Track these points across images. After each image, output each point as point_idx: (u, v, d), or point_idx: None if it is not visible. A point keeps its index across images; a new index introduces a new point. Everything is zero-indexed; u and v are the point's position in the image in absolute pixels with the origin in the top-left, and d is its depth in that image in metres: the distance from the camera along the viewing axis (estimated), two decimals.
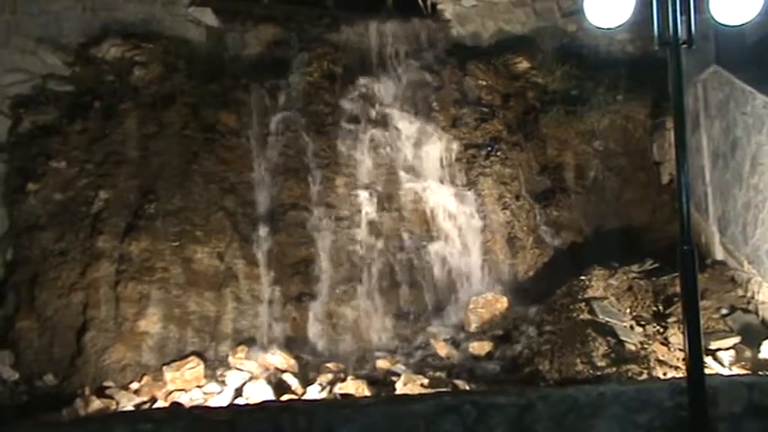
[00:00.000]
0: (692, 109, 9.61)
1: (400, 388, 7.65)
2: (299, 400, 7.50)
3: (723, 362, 7.80)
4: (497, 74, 11.60)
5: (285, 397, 7.89)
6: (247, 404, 7.22)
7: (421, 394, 6.72)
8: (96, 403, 7.89)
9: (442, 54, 11.72)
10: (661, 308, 8.70)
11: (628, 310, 8.65)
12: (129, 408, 7.93)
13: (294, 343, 9.29)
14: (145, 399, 8.23)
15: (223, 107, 10.34)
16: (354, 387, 7.71)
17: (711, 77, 9.20)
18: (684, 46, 5.61)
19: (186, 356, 8.80)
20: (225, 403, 7.81)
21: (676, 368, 7.60)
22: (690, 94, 9.76)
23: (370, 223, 10.18)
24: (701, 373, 5.68)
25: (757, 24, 6.09)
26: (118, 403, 8.05)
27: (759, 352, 7.71)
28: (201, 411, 6.48)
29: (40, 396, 8.27)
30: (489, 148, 10.92)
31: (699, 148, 9.53)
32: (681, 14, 5.43)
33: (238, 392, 8.14)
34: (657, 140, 10.97)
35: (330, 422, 5.76)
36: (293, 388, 8.15)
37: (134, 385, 8.51)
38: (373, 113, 10.86)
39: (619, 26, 5.92)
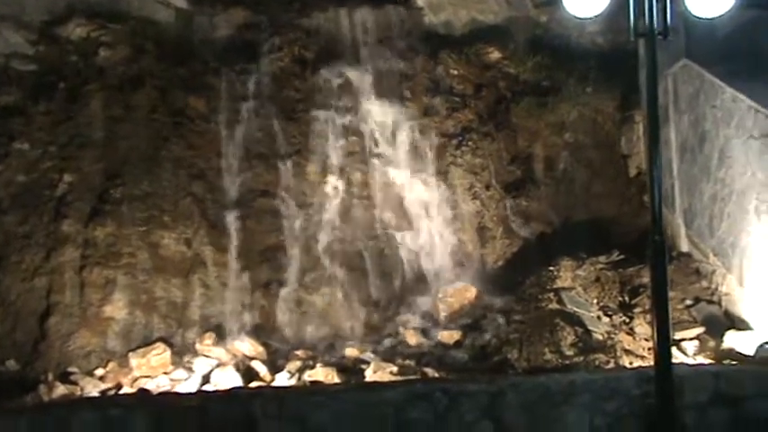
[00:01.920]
0: (662, 102, 9.50)
1: (370, 375, 7.64)
2: (270, 386, 7.44)
3: (687, 352, 7.90)
4: (469, 63, 11.52)
5: (254, 384, 7.82)
6: (217, 390, 7.14)
7: (392, 381, 6.73)
8: (60, 389, 7.76)
9: (415, 42, 11.57)
10: (627, 298, 8.79)
11: (595, 301, 8.73)
12: (95, 394, 7.78)
13: (262, 330, 9.23)
14: (110, 385, 8.14)
15: (192, 91, 10.19)
16: (324, 374, 7.68)
17: (681, 71, 9.27)
18: (660, 37, 5.63)
19: (152, 343, 8.69)
20: (193, 390, 7.71)
21: (642, 357, 7.70)
22: (660, 88, 9.65)
23: (341, 211, 10.13)
24: (668, 362, 5.74)
25: (727, 18, 6.14)
26: (83, 389, 7.93)
27: (722, 342, 7.81)
28: (171, 397, 6.42)
29: (3, 381, 8.09)
30: (460, 138, 10.87)
31: (667, 141, 9.60)
32: (657, 3, 5.42)
33: (206, 379, 8.07)
34: (626, 134, 11.01)
35: (301, 408, 5.74)
36: (262, 375, 8.09)
37: (99, 371, 8.41)
38: (345, 100, 10.75)
39: (596, 16, 5.90)
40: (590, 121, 11.21)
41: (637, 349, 7.88)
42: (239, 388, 6.97)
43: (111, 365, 8.45)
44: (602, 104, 11.24)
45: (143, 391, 7.52)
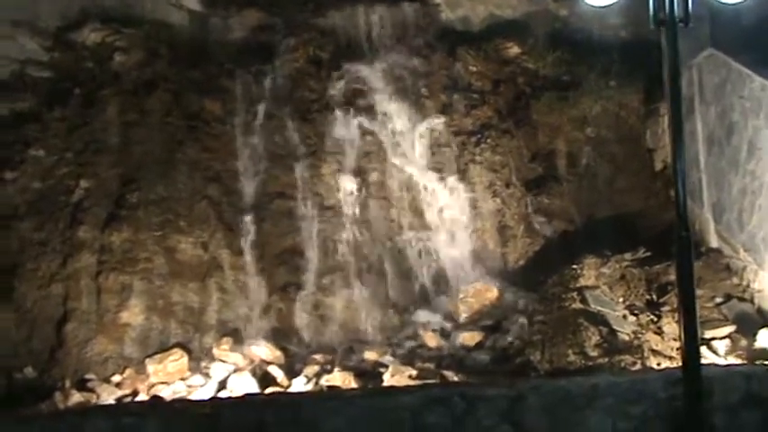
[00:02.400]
0: (687, 94, 9.27)
1: (388, 380, 7.48)
2: (284, 392, 7.32)
3: (718, 351, 7.65)
4: (488, 59, 11.38)
5: (270, 389, 7.71)
6: (230, 397, 7.05)
7: (408, 386, 6.55)
8: (76, 396, 7.70)
9: (432, 39, 11.47)
10: (654, 297, 8.56)
11: (620, 300, 8.50)
12: (111, 401, 7.72)
13: (280, 334, 9.11)
14: (127, 392, 8.06)
15: (207, 94, 10.14)
16: (341, 379, 7.53)
17: (707, 61, 9.00)
18: (681, 24, 5.40)
19: (169, 348, 8.61)
20: (208, 396, 7.61)
21: (670, 358, 7.46)
22: (684, 79, 9.40)
23: (358, 212, 10.00)
24: (696, 362, 5.52)
25: (754, 5, 5.92)
26: (99, 396, 7.86)
27: (755, 341, 7.56)
28: (183, 404, 6.32)
29: (20, 389, 8.06)
30: (479, 135, 10.72)
31: (693, 133, 9.34)
32: None
33: (222, 385, 7.96)
34: (651, 127, 10.80)
35: (315, 415, 5.59)
36: (279, 380, 7.97)
37: (116, 378, 8.34)
38: (361, 100, 10.65)
39: (612, 4, 5.68)
40: (613, 115, 11.02)
41: (665, 349, 7.64)
42: (253, 394, 6.84)
43: (127, 372, 8.38)
44: (625, 98, 11.05)
45: (156, 398, 7.42)
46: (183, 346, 8.70)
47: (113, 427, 5.16)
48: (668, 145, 10.39)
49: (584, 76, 11.07)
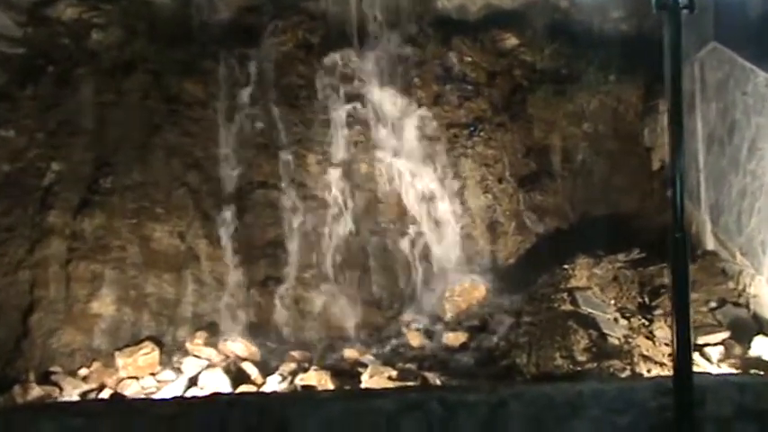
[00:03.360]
0: (688, 90, 8.93)
1: (366, 380, 7.16)
2: (254, 393, 6.97)
3: (711, 358, 7.36)
4: (483, 50, 11.00)
5: (243, 387, 7.37)
6: (196, 397, 6.68)
7: (384, 389, 6.20)
8: (36, 390, 7.36)
9: (426, 27, 11.04)
10: (647, 300, 8.26)
11: (612, 302, 8.20)
12: (74, 396, 7.38)
13: (258, 329, 8.85)
14: (93, 386, 7.75)
15: (189, 76, 9.77)
16: (317, 379, 7.20)
17: (710, 55, 8.63)
18: (685, 11, 5.03)
19: (141, 341, 8.32)
20: (177, 392, 7.29)
21: (661, 365, 7.18)
22: (685, 74, 9.02)
23: (343, 204, 9.72)
24: (689, 371, 5.18)
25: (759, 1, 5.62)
26: (62, 390, 7.53)
27: (749, 348, 7.27)
28: (143, 404, 5.96)
29: None
30: (472, 128, 10.41)
31: (693, 132, 9.00)
32: None
33: (193, 381, 7.64)
34: (649, 125, 10.47)
35: (284, 418, 5.23)
36: (252, 378, 7.66)
37: (83, 371, 8.04)
38: (350, 88, 10.30)
39: None
40: (611, 110, 10.69)
41: (656, 355, 7.34)
42: (220, 394, 6.48)
43: (95, 365, 8.06)
44: (624, 94, 10.70)
45: (116, 397, 7.07)
46: (156, 340, 8.41)
47: (59, 430, 4.78)
48: (667, 143, 10.39)
49: (583, 70, 10.75)
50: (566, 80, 10.75)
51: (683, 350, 5.19)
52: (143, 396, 7.10)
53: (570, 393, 5.47)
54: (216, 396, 6.02)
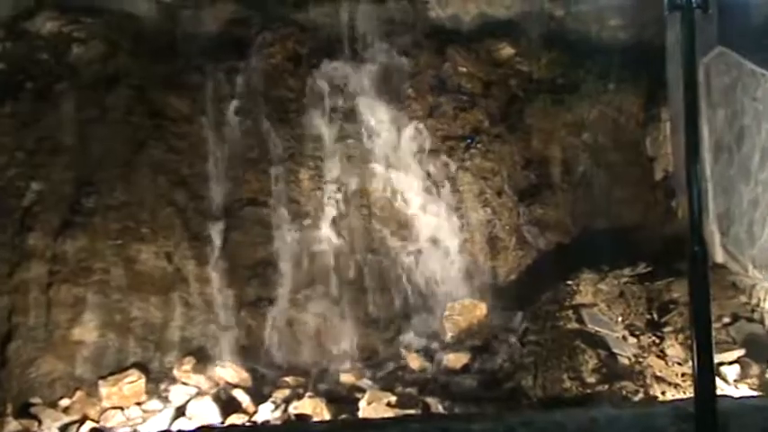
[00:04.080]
0: None
1: (364, 407, 6.77)
2: (242, 427, 6.53)
3: (727, 378, 7.05)
4: (479, 60, 10.73)
5: (233, 417, 6.95)
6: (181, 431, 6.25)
7: (384, 419, 5.80)
8: (14, 425, 6.94)
9: (420, 37, 10.73)
10: (656, 316, 8.02)
11: (620, 319, 7.97)
12: (54, 430, 6.93)
13: (249, 354, 8.54)
14: (75, 418, 7.35)
15: (174, 90, 9.44)
16: (312, 406, 6.81)
17: (716, 60, 8.35)
18: (698, 10, 4.72)
19: (126, 369, 7.92)
20: (164, 424, 6.87)
21: (676, 386, 6.87)
22: None
23: (337, 221, 9.41)
24: (711, 394, 4.80)
25: (764, 4, 5.34)
26: (41, 423, 7.08)
27: None
28: None
29: None
30: (469, 141, 10.16)
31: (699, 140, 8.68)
32: None
33: (181, 411, 7.20)
34: (651, 134, 10.27)
35: None
36: (244, 406, 7.28)
37: (64, 402, 7.64)
38: (342, 101, 9.99)
39: None
40: (611, 120, 10.48)
41: (669, 375, 7.02)
42: (208, 428, 6.06)
43: (78, 395, 7.66)
44: (624, 103, 10.50)
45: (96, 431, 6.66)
46: (142, 367, 8.06)
47: None
48: (670, 153, 10.24)
49: (581, 80, 10.53)
50: (564, 90, 10.54)
51: (705, 372, 4.80)
52: (128, 429, 6.65)
53: (583, 420, 5.10)
54: (204, 430, 5.62)
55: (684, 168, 4.88)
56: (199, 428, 5.49)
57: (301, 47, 10.19)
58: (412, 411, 6.49)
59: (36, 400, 7.57)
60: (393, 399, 6.87)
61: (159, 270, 8.63)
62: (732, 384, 6.90)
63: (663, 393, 6.63)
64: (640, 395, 6.57)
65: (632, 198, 10.11)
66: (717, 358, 7.06)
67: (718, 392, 5.94)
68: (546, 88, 10.53)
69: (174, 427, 6.91)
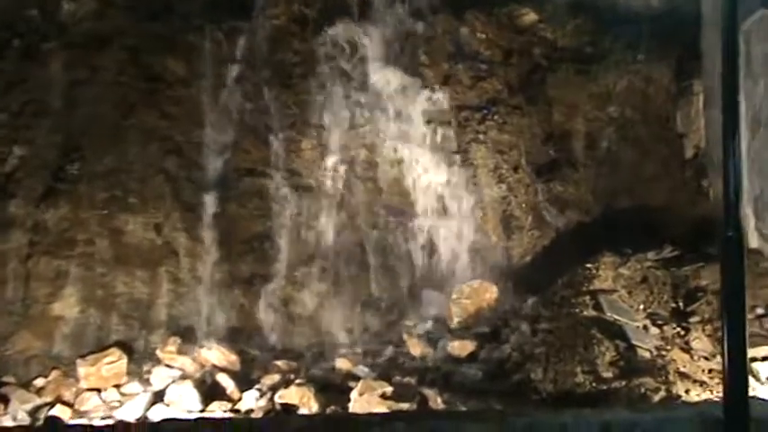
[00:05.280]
0: None
1: (355, 398, 6.21)
2: (211, 419, 5.99)
3: (760, 376, 6.51)
4: (500, 26, 10.20)
5: (214, 404, 6.45)
6: (142, 422, 5.74)
7: (370, 414, 5.24)
8: None
9: (436, 0, 10.18)
10: (681, 305, 7.52)
11: (641, 307, 7.50)
12: (21, 413, 6.46)
13: (241, 334, 8.07)
14: (47, 400, 6.85)
15: (170, 52, 8.91)
16: (299, 396, 6.26)
17: (757, 26, 7.70)
18: None
19: (107, 348, 7.46)
20: (139, 410, 6.39)
21: (701, 384, 6.32)
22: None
23: (341, 194, 8.93)
24: (743, 396, 4.30)
25: None
26: (6, 404, 6.60)
27: None
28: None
29: None
30: (486, 111, 9.65)
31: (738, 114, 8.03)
32: None
33: (159, 396, 6.68)
34: (682, 108, 9.80)
35: None
36: (228, 392, 6.74)
37: (38, 382, 7.17)
38: (350, 66, 9.50)
39: None
40: (639, 92, 9.98)
41: (694, 372, 6.46)
42: (169, 420, 5.52)
43: (54, 374, 7.19)
44: (654, 73, 9.98)
45: (52, 420, 6.16)
46: (124, 346, 7.57)
47: None
48: (702, 129, 9.65)
49: (609, 48, 10.03)
50: (589, 59, 10.07)
51: (736, 370, 4.31)
52: (84, 423, 6.12)
53: (595, 424, 4.52)
54: (164, 423, 5.06)
55: (721, 145, 4.38)
56: (163, 421, 4.99)
57: (308, 8, 9.67)
58: (406, 405, 5.90)
59: (9, 379, 7.14)
60: (389, 389, 6.28)
61: (147, 242, 8.18)
62: (766, 383, 6.31)
63: (687, 392, 6.07)
64: (661, 393, 6.01)
65: (660, 176, 9.65)
66: (749, 353, 6.48)
67: (750, 393, 5.35)
68: (570, 57, 10.03)
69: (151, 413, 6.40)
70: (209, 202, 8.49)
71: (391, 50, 9.69)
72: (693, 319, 7.14)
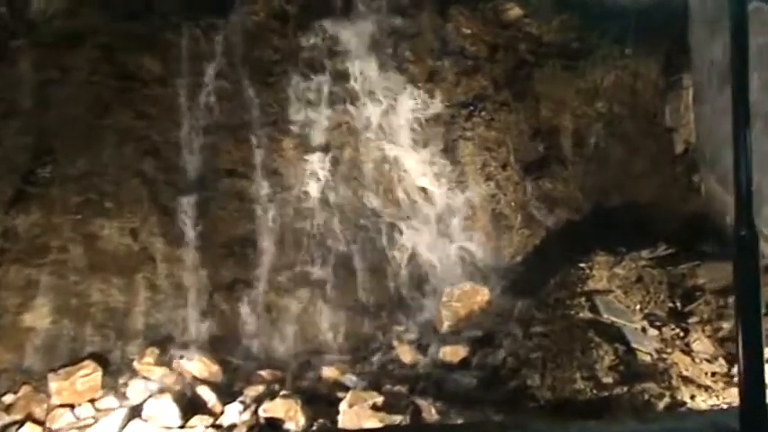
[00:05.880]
0: (722, 61, 8.07)
1: (344, 410, 5.96)
2: None
3: None
4: (485, 21, 10.17)
5: (195, 419, 6.13)
6: None
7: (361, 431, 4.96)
8: None
9: None
10: (679, 305, 7.40)
11: (638, 307, 7.36)
12: None
13: (221, 344, 7.85)
14: (17, 417, 6.57)
15: (146, 50, 8.79)
16: (284, 408, 6.02)
17: (751, 17, 7.43)
18: None
19: (81, 360, 7.20)
20: (114, 427, 6.05)
21: (706, 388, 6.13)
22: (718, 43, 8.25)
23: (325, 195, 8.78)
24: (761, 405, 4.14)
25: None
26: None
27: None
28: None
29: None
30: (472, 108, 9.58)
31: (726, 108, 7.84)
32: None
33: (137, 411, 6.36)
34: (671, 102, 9.69)
35: None
36: (210, 405, 6.47)
37: (8, 398, 6.91)
38: (333, 63, 9.37)
39: None
40: (627, 87, 9.94)
41: (698, 375, 6.28)
42: None
43: (24, 390, 6.95)
44: (642, 68, 9.91)
45: None
46: (99, 358, 7.38)
47: None
48: (691, 123, 9.53)
49: (595, 43, 9.99)
50: (576, 54, 10.05)
51: (753, 377, 4.15)
52: None
53: None
54: None
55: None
56: None
57: (288, 4, 9.61)
58: (399, 417, 5.63)
59: None
60: (379, 400, 6.04)
61: (123, 248, 8.03)
62: None
63: (692, 398, 5.86)
64: (666, 400, 5.79)
65: (650, 172, 9.58)
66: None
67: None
68: (557, 52, 10.01)
69: (128, 430, 6.07)
70: (188, 204, 8.33)
71: (375, 47, 9.57)
72: (692, 320, 7.00)
